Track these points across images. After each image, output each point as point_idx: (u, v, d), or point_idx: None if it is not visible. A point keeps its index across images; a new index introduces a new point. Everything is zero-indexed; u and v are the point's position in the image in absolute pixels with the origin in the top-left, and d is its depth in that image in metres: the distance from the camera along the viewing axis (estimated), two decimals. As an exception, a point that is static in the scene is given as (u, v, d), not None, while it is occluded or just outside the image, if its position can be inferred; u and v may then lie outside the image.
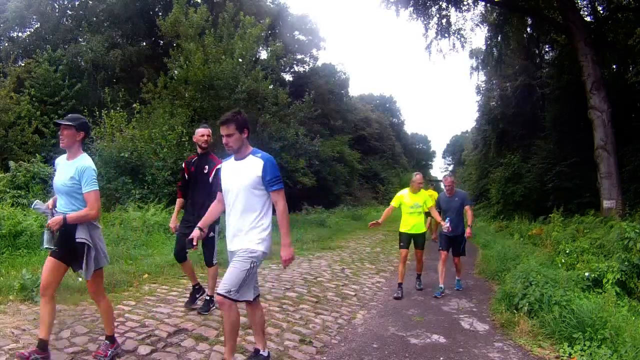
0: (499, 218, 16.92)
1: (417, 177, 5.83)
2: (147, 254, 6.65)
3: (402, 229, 5.80)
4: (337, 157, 26.26)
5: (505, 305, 4.61)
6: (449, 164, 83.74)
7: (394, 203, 5.91)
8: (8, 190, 8.55)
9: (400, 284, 5.64)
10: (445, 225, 5.65)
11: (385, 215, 5.85)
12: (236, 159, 2.89)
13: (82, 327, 3.55)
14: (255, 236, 2.83)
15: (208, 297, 4.21)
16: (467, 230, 5.87)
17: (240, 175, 2.82)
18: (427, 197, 5.85)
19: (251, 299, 2.86)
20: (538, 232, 10.50)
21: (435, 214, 5.96)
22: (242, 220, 2.84)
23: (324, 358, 3.37)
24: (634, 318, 3.96)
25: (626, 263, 5.29)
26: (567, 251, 7.01)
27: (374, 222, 5.73)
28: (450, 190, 5.97)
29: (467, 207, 5.94)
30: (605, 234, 7.63)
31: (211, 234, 4.01)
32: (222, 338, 3.50)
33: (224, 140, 2.79)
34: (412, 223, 5.74)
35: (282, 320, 4.12)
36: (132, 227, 7.79)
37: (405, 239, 5.76)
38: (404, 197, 5.82)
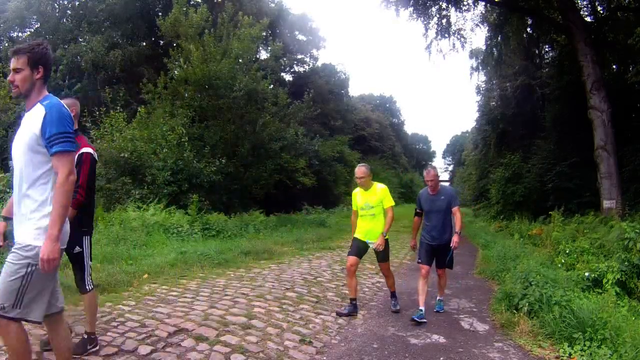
0: (499, 218, 16.93)
1: (357, 170, 4.59)
2: (147, 254, 6.65)
3: (357, 234, 4.68)
4: (337, 157, 26.29)
5: (505, 305, 4.61)
6: (449, 164, 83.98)
7: (353, 206, 4.78)
8: (8, 190, 8.53)
9: (352, 300, 4.60)
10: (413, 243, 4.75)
11: (354, 225, 4.77)
12: (26, 110, 2.10)
13: (82, 327, 3.54)
14: (33, 225, 1.99)
15: (85, 336, 3.09)
16: (454, 238, 4.51)
17: (20, 133, 2.05)
18: (385, 196, 4.59)
19: (40, 321, 2.06)
20: (538, 232, 10.51)
21: (389, 217, 4.56)
22: (21, 198, 2.03)
23: (324, 358, 3.36)
24: (634, 318, 3.96)
25: (626, 263, 5.30)
26: (567, 251, 7.02)
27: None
28: (434, 187, 4.69)
29: (455, 209, 4.64)
30: (605, 234, 7.63)
31: (77, 248, 2.97)
32: (222, 338, 3.51)
33: (9, 77, 2.06)
34: (365, 228, 4.60)
35: (282, 320, 4.12)
36: (131, 227, 7.79)
37: (356, 245, 4.62)
38: (356, 196, 4.72)
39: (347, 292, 5.54)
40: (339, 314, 4.43)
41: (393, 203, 4.65)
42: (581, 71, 12.33)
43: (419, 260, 4.72)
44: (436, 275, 4.95)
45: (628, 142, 12.71)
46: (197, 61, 12.75)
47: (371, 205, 4.57)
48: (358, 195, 4.70)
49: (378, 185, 4.66)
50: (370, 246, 4.55)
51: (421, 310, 4.44)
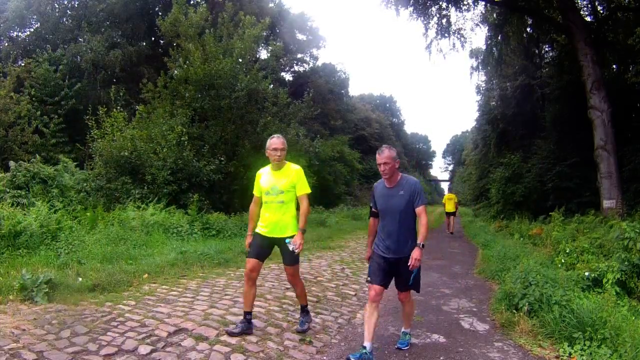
0: (499, 218, 16.95)
1: (275, 140, 3.56)
2: (147, 253, 6.65)
3: (258, 229, 3.67)
4: (337, 157, 26.33)
5: (505, 305, 4.61)
6: (449, 164, 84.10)
7: (255, 190, 3.74)
8: (8, 190, 8.55)
9: (246, 314, 3.65)
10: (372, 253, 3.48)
11: (251, 219, 3.80)
12: None
13: (82, 327, 3.54)
14: None
15: None
16: (415, 254, 3.15)
17: None
18: (300, 179, 3.59)
19: None
20: (538, 232, 10.51)
21: (305, 209, 3.61)
22: None
23: (324, 358, 3.36)
24: (634, 318, 3.95)
25: (626, 263, 5.29)
26: (567, 251, 7.02)
27: (247, 246, 3.74)
28: (391, 177, 3.34)
29: (419, 210, 3.29)
30: (605, 234, 7.62)
31: None
32: (222, 338, 3.51)
33: None
34: (270, 220, 3.59)
35: (282, 320, 4.12)
36: (131, 227, 7.79)
37: (257, 244, 3.63)
38: (260, 177, 3.69)
39: (347, 291, 5.55)
40: (231, 334, 3.54)
41: (309, 190, 3.64)
42: (581, 71, 12.34)
43: (368, 279, 3.40)
44: (369, 313, 3.28)
45: (628, 142, 12.72)
46: (197, 61, 12.75)
47: (280, 189, 3.54)
48: (264, 176, 3.67)
49: (292, 165, 3.67)
50: (290, 247, 3.50)
51: (364, 347, 3.14)
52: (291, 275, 3.70)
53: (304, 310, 3.91)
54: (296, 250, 3.50)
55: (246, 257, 3.69)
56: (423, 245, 3.21)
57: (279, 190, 3.55)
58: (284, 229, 3.59)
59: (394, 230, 3.29)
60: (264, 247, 3.65)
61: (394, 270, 3.35)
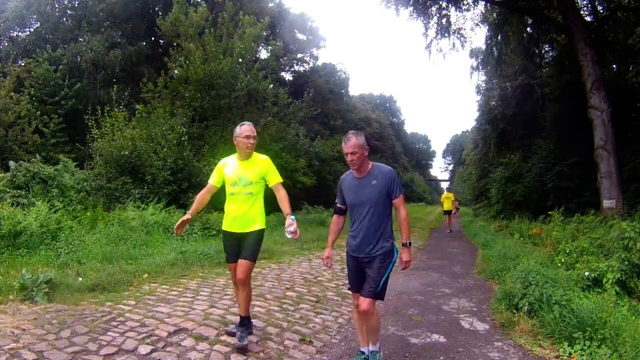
0: (499, 217, 16.95)
1: (246, 128, 3.30)
2: (147, 253, 6.65)
3: (224, 225, 3.42)
4: (337, 157, 26.30)
5: (505, 305, 4.61)
6: (449, 164, 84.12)
7: (213, 179, 3.44)
8: (8, 190, 8.55)
9: (243, 319, 3.42)
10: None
11: (198, 202, 3.47)
12: None
13: (82, 326, 3.54)
14: None
15: None
16: (403, 255, 2.99)
17: None
18: (270, 169, 3.37)
19: None
20: (538, 231, 10.51)
21: (284, 196, 3.35)
22: None
23: (324, 358, 3.36)
24: (634, 318, 3.96)
25: (626, 263, 5.30)
26: (567, 251, 7.03)
27: (180, 222, 3.35)
28: (360, 167, 2.99)
29: (397, 201, 2.97)
30: (605, 234, 7.63)
31: None
32: (222, 337, 3.51)
33: None
34: (236, 213, 3.32)
35: (282, 320, 4.12)
36: (131, 227, 7.79)
37: (229, 245, 3.41)
38: (225, 167, 3.41)
39: (347, 291, 5.54)
40: (230, 334, 3.48)
41: (281, 179, 3.45)
42: (581, 71, 12.34)
43: (349, 287, 3.18)
44: (357, 318, 3.09)
45: (628, 141, 12.73)
46: (197, 61, 12.77)
47: (250, 180, 3.28)
48: (229, 166, 3.38)
49: (260, 155, 3.42)
50: (288, 236, 3.15)
51: (363, 353, 3.06)
52: (245, 272, 3.22)
53: (244, 324, 3.36)
54: (295, 237, 3.18)
55: (226, 262, 3.51)
56: (410, 244, 2.99)
57: (247, 180, 3.29)
58: (251, 222, 3.30)
59: (365, 226, 2.92)
60: (236, 246, 3.34)
61: (364, 271, 2.97)
